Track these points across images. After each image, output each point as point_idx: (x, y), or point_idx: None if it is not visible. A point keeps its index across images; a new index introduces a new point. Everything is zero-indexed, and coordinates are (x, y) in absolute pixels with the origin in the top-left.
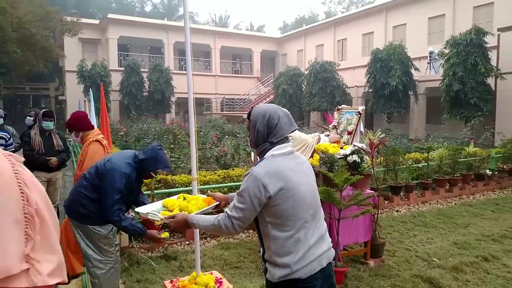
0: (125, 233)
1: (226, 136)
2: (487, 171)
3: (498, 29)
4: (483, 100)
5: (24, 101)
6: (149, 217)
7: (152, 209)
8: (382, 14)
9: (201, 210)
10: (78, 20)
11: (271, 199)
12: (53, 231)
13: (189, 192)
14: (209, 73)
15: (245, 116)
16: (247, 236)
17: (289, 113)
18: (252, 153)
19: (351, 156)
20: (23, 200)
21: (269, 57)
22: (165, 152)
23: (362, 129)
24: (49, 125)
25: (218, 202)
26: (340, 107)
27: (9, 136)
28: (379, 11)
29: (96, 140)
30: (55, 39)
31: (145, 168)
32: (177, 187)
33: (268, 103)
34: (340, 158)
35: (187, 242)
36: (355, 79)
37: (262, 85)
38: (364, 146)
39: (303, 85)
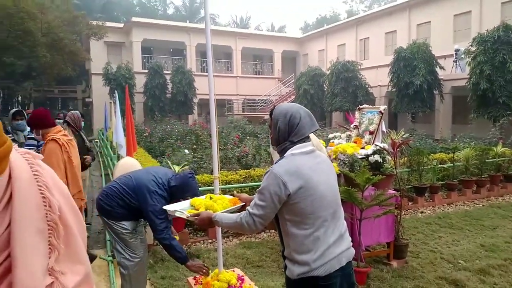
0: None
1: (248, 137)
2: None
3: None
4: None
5: (53, 104)
6: (176, 214)
7: (180, 207)
8: (405, 12)
9: (225, 210)
10: (103, 24)
11: (291, 197)
12: (79, 238)
13: (211, 191)
14: (230, 74)
15: (266, 117)
16: (268, 236)
17: (311, 113)
18: (273, 154)
19: (372, 156)
20: (45, 206)
21: (290, 57)
22: (196, 179)
23: (384, 128)
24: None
25: (243, 203)
26: (361, 106)
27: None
28: (402, 9)
29: (53, 139)
30: (82, 43)
31: (175, 195)
32: (200, 187)
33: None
34: (361, 158)
35: (210, 241)
36: (378, 79)
37: (283, 85)
38: (386, 146)
39: (324, 85)
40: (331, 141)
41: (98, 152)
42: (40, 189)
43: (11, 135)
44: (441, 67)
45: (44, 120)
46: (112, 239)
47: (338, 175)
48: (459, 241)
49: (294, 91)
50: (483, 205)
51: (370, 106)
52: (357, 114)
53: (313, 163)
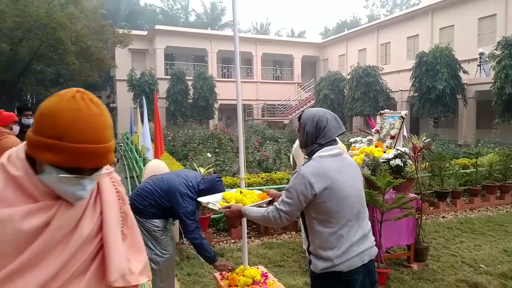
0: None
1: (267, 141)
2: None
3: None
4: None
5: None
6: (209, 206)
7: (213, 200)
8: (427, 16)
9: (254, 204)
10: (129, 32)
11: (316, 197)
12: (139, 229)
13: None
14: (250, 80)
15: (286, 121)
16: (289, 237)
17: (338, 117)
18: (292, 159)
19: (393, 160)
20: (119, 198)
21: (310, 62)
22: (223, 183)
23: (405, 133)
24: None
25: (271, 198)
26: (383, 111)
27: None
28: (424, 13)
29: None
30: (108, 51)
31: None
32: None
33: (310, 107)
34: (383, 162)
35: (232, 241)
36: (399, 83)
37: (303, 90)
38: (407, 150)
39: (345, 90)
40: (352, 145)
41: (122, 156)
42: (113, 183)
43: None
44: (465, 72)
45: None
46: (144, 236)
47: None
48: (481, 246)
49: (313, 96)
50: (507, 211)
51: (391, 111)
52: (378, 119)
53: (339, 166)
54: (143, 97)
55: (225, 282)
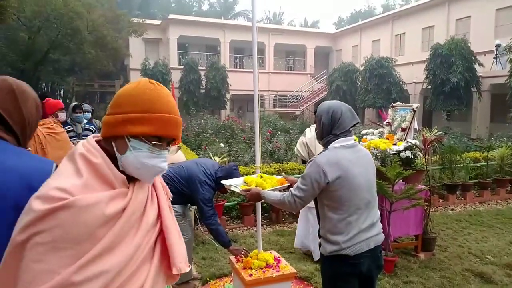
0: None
1: (279, 132)
2: None
3: None
4: None
5: (91, 97)
6: (232, 188)
7: (235, 183)
8: (444, 6)
9: (273, 188)
10: (143, 21)
11: (329, 185)
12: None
13: None
14: (262, 70)
15: (297, 112)
16: None
17: (352, 108)
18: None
19: (404, 152)
20: (164, 190)
21: (323, 53)
22: (239, 171)
23: (416, 126)
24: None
25: (289, 184)
26: (394, 104)
27: (95, 129)
28: (441, 4)
29: None
30: (122, 40)
31: (219, 184)
32: None
33: (322, 99)
34: (393, 153)
35: (245, 228)
36: (413, 75)
37: (316, 81)
38: (417, 142)
39: (357, 82)
40: (364, 137)
41: None
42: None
43: (70, 126)
44: (480, 64)
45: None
46: None
47: None
48: (488, 238)
49: (326, 87)
50: None
51: (403, 103)
52: (390, 111)
53: (353, 157)
54: None
55: (240, 265)
